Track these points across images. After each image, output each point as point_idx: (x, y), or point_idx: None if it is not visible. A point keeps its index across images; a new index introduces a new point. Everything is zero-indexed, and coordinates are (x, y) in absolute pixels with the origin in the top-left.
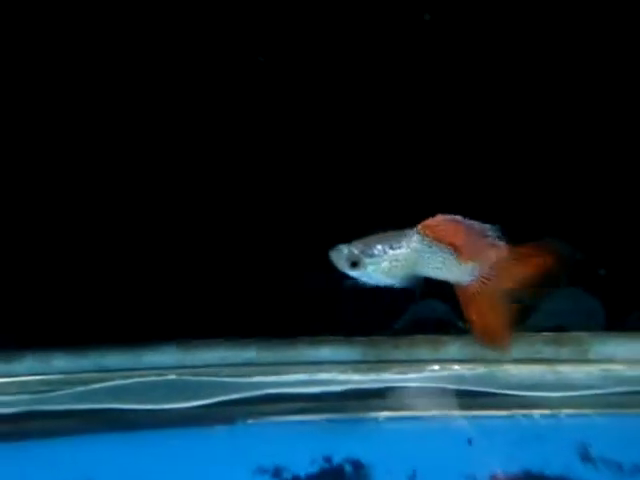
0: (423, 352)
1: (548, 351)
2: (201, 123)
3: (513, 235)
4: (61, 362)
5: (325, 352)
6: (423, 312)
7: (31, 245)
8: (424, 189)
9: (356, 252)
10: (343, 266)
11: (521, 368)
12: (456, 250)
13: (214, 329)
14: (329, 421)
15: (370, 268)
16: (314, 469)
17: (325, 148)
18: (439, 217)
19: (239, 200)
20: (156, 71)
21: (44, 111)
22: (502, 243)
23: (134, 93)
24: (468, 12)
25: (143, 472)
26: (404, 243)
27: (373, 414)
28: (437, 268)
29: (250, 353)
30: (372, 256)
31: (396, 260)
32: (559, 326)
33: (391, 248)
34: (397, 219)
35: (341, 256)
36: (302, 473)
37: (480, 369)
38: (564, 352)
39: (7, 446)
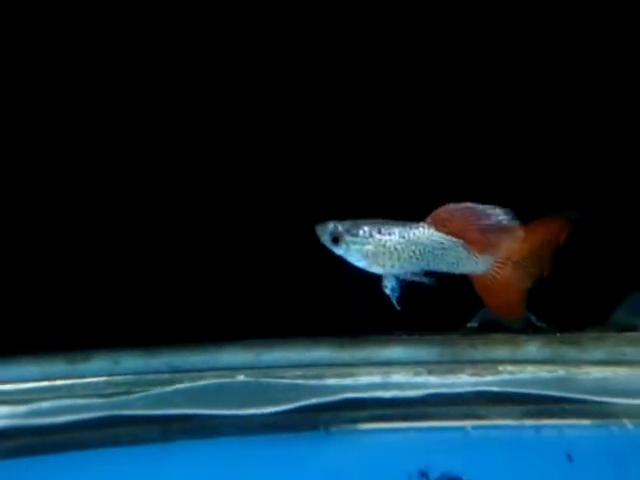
0: (500, 352)
1: (633, 352)
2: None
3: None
4: (130, 363)
5: (399, 352)
6: None
7: (97, 243)
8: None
9: (340, 229)
10: (326, 241)
11: (605, 371)
12: (470, 243)
13: (282, 328)
14: (416, 430)
15: (353, 248)
16: None
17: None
18: (449, 207)
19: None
20: (153, 69)
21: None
22: (516, 225)
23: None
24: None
25: None
26: (397, 232)
27: (459, 422)
28: (452, 263)
29: (320, 353)
30: (355, 236)
31: (383, 247)
32: None
33: (379, 233)
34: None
35: (325, 231)
36: None
37: (560, 372)
38: None
39: (85, 454)
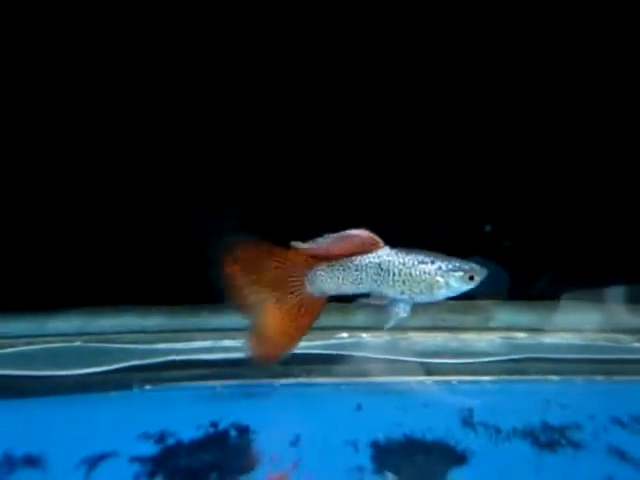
0: (333, 319)
1: (453, 319)
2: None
3: None
4: None
5: (234, 319)
6: None
7: None
8: None
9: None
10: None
11: (426, 335)
12: None
13: (119, 296)
14: (225, 387)
15: None
16: (199, 434)
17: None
18: None
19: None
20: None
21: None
22: None
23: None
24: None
25: (31, 439)
26: None
27: (271, 380)
28: None
29: (155, 320)
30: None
31: None
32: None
33: None
34: None
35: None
36: (186, 438)
37: (385, 337)
38: (469, 320)
39: None
